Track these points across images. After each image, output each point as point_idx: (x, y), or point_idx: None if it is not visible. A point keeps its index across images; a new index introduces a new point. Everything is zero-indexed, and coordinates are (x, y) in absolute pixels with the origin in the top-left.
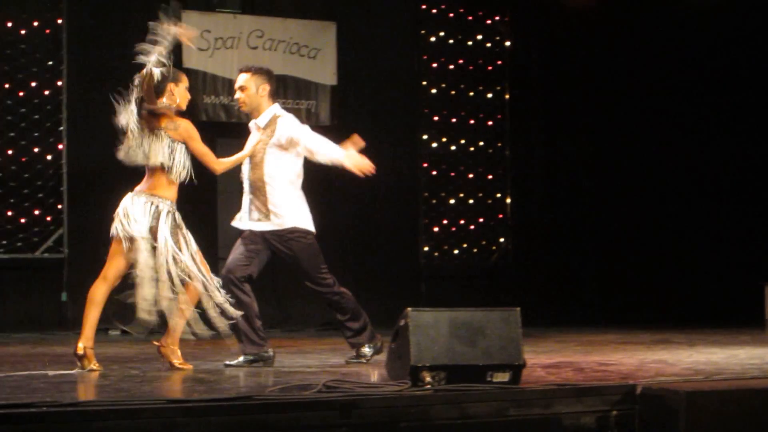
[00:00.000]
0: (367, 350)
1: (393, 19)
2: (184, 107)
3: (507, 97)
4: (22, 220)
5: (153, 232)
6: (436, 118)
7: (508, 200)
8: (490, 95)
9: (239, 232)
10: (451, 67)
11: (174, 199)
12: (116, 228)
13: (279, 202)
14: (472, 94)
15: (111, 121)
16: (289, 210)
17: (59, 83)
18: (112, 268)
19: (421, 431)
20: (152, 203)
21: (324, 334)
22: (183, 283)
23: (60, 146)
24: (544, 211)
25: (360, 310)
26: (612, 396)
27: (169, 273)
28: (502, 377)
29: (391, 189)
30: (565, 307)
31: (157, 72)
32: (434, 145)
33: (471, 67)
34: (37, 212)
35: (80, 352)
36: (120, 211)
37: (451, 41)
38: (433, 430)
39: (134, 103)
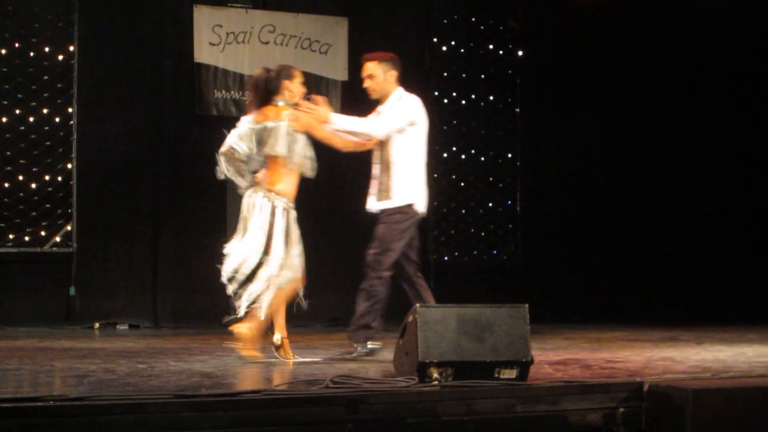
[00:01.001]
0: (361, 349)
1: (405, 14)
2: (300, 102)
3: (518, 98)
4: (32, 214)
5: (266, 225)
6: (448, 115)
7: (518, 198)
8: (501, 96)
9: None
10: (464, 75)
11: (292, 196)
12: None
13: (401, 181)
14: (483, 96)
15: (121, 116)
16: (408, 188)
17: (70, 77)
18: None
19: (428, 427)
20: (268, 199)
21: (332, 330)
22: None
23: (70, 140)
24: (553, 209)
25: (381, 312)
26: (619, 393)
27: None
28: (510, 374)
29: None
30: (573, 303)
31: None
32: (445, 141)
33: (482, 62)
34: (46, 206)
35: (277, 342)
36: (242, 208)
37: (462, 50)
38: (440, 425)
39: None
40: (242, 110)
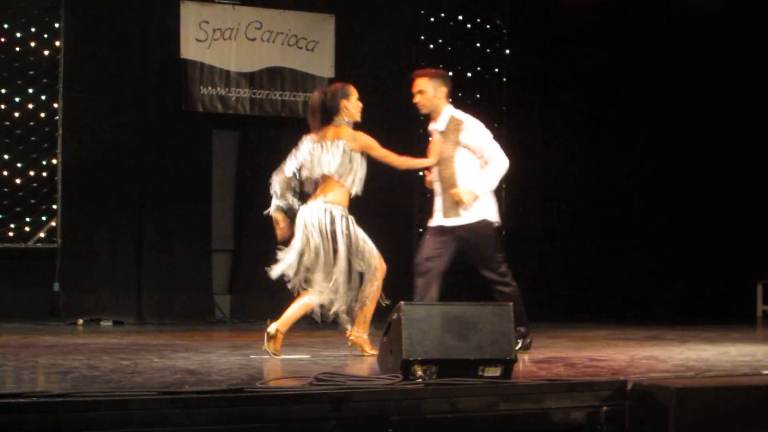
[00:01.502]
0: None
1: (392, 12)
2: (359, 119)
3: (504, 97)
4: (16, 209)
5: (329, 234)
6: None
7: (503, 196)
8: (487, 95)
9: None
10: (450, 73)
11: (346, 205)
12: (302, 237)
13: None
14: (469, 94)
15: (106, 112)
16: (478, 204)
17: (56, 72)
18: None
19: (412, 425)
20: (326, 209)
21: (315, 328)
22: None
23: (55, 135)
24: (538, 208)
25: (523, 311)
26: (602, 392)
27: (348, 270)
28: (494, 372)
29: (385, 184)
30: (557, 302)
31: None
32: (430, 140)
33: (468, 60)
34: (31, 202)
35: (271, 333)
36: (299, 221)
37: (449, 48)
38: (424, 423)
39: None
40: (227, 106)
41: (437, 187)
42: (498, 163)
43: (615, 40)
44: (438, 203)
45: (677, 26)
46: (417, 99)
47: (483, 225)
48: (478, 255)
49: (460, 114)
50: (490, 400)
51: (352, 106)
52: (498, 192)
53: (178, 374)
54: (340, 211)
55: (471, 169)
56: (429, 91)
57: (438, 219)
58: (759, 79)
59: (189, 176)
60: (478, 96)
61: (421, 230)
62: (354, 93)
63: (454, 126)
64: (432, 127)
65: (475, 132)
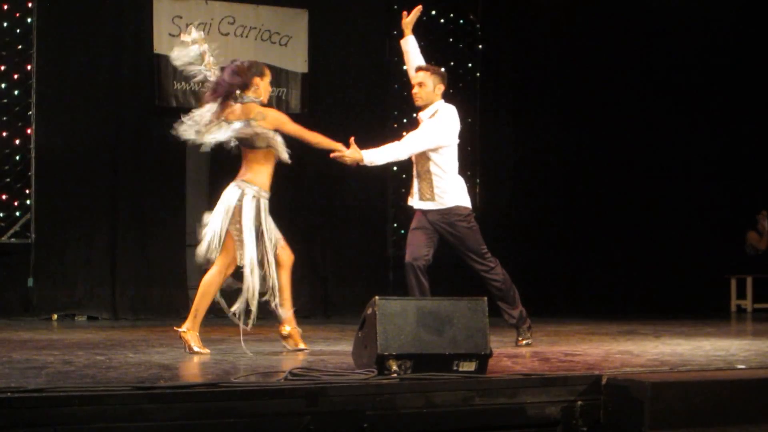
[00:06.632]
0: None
1: (365, 6)
2: (266, 101)
3: (477, 92)
4: None
5: (236, 213)
6: (408, 107)
7: (477, 191)
8: (460, 90)
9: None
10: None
11: (265, 186)
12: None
13: (442, 186)
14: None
15: (80, 107)
16: (451, 192)
17: (28, 67)
18: (222, 259)
19: (387, 420)
20: (239, 187)
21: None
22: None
23: (28, 131)
24: (511, 203)
25: (517, 297)
26: (577, 386)
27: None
28: (468, 366)
29: (359, 178)
30: (532, 297)
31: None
32: (404, 134)
33: (442, 55)
34: (4, 197)
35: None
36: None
37: (422, 43)
38: (399, 418)
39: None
40: (201, 102)
41: (414, 171)
42: (404, 146)
43: (587, 34)
44: (415, 185)
45: (649, 22)
46: (416, 90)
47: (458, 215)
48: (463, 246)
49: (443, 107)
50: (465, 395)
51: (263, 86)
52: (471, 186)
53: (153, 369)
54: (252, 191)
55: (443, 160)
56: (429, 86)
57: (415, 201)
58: (740, 72)
59: (162, 171)
60: (451, 91)
61: (395, 225)
62: (268, 75)
63: (434, 114)
64: (421, 114)
65: (433, 123)
